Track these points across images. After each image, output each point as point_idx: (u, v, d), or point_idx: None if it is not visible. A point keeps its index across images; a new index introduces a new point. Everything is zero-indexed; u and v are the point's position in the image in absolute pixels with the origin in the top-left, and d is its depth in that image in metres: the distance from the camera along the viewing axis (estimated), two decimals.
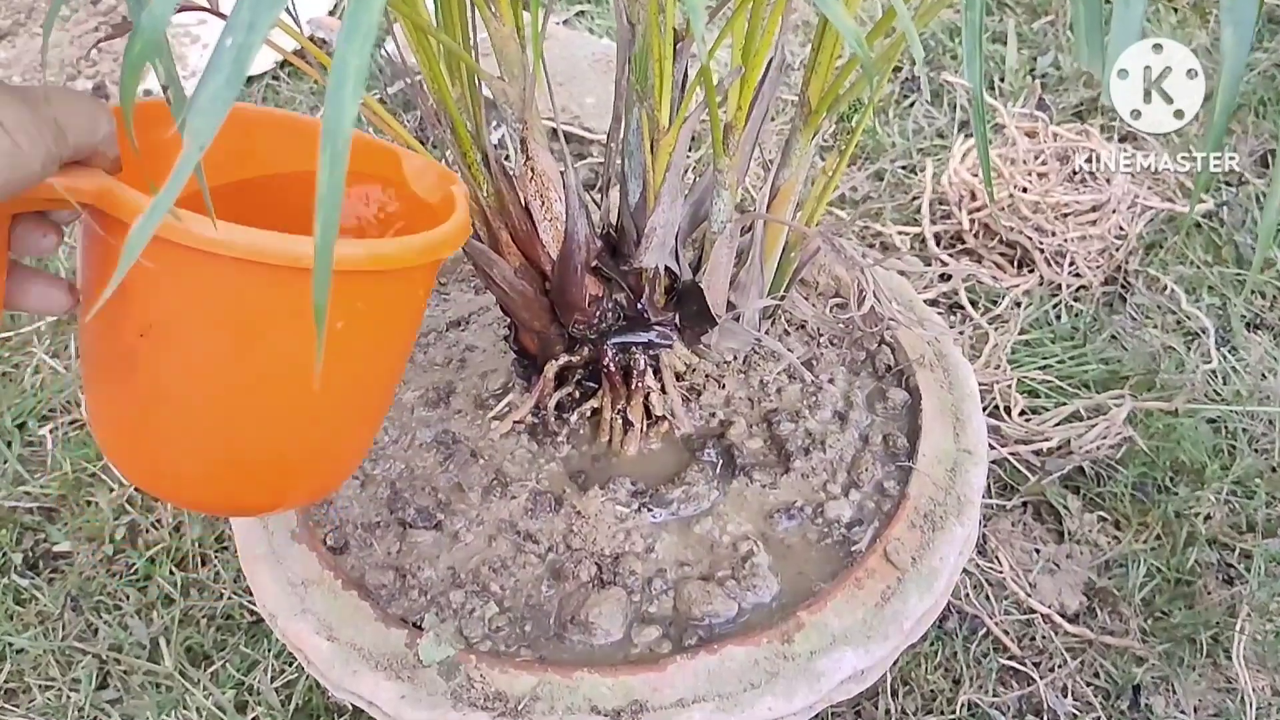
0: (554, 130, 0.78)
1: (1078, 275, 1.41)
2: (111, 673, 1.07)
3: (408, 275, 0.55)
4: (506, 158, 0.77)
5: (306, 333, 0.50)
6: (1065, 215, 1.41)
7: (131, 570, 1.14)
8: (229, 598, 1.11)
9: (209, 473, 0.59)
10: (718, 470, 0.83)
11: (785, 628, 0.71)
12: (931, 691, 1.04)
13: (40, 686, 1.06)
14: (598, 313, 0.81)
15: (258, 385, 0.55)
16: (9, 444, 1.25)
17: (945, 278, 1.42)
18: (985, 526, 1.16)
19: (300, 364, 0.53)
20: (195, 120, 0.36)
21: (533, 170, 0.74)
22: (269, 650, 1.06)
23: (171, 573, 1.13)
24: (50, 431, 1.27)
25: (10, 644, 1.09)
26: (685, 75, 0.73)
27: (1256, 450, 1.23)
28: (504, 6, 0.67)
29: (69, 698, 1.05)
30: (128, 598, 1.12)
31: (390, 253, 0.52)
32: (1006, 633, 1.08)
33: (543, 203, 0.76)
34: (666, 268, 0.79)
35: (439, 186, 0.64)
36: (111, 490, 1.20)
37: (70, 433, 1.27)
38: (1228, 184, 1.56)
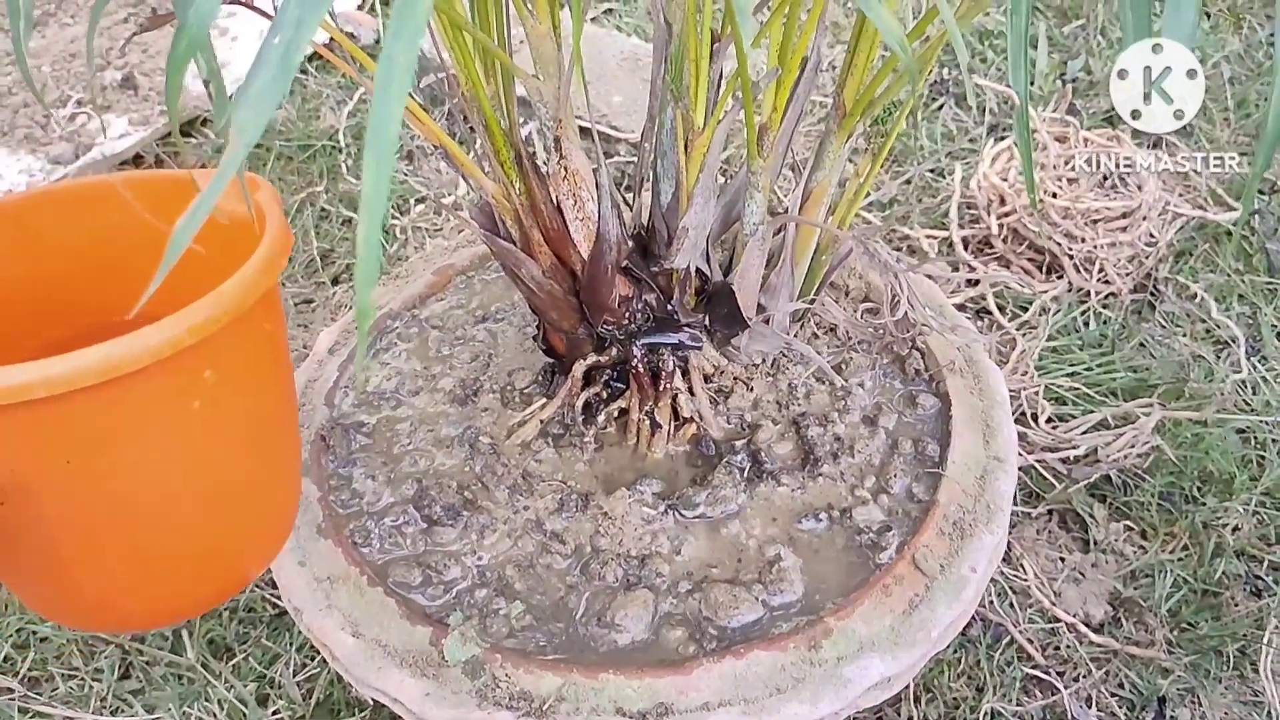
0: (583, 129, 0.78)
1: (1107, 282, 1.40)
2: (134, 663, 1.07)
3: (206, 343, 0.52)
4: (533, 155, 0.76)
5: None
6: (1095, 221, 1.40)
7: None
8: (251, 590, 1.11)
9: (153, 580, 0.59)
10: (745, 473, 0.82)
11: (812, 633, 0.71)
12: (954, 699, 1.03)
13: (63, 675, 1.06)
14: (627, 313, 0.80)
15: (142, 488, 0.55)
16: None
17: (973, 283, 1.41)
18: (1011, 534, 1.15)
19: (169, 459, 0.54)
20: (242, 114, 0.36)
21: (566, 169, 0.74)
22: (290, 644, 1.07)
23: None
24: None
25: (34, 633, 1.09)
26: (720, 76, 0.73)
27: None
28: (541, 5, 0.66)
29: (91, 687, 1.05)
30: None
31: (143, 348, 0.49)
32: (1031, 641, 1.07)
33: (575, 202, 0.76)
34: (697, 269, 0.79)
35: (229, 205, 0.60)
36: None
37: None
38: (1260, 191, 1.54)
